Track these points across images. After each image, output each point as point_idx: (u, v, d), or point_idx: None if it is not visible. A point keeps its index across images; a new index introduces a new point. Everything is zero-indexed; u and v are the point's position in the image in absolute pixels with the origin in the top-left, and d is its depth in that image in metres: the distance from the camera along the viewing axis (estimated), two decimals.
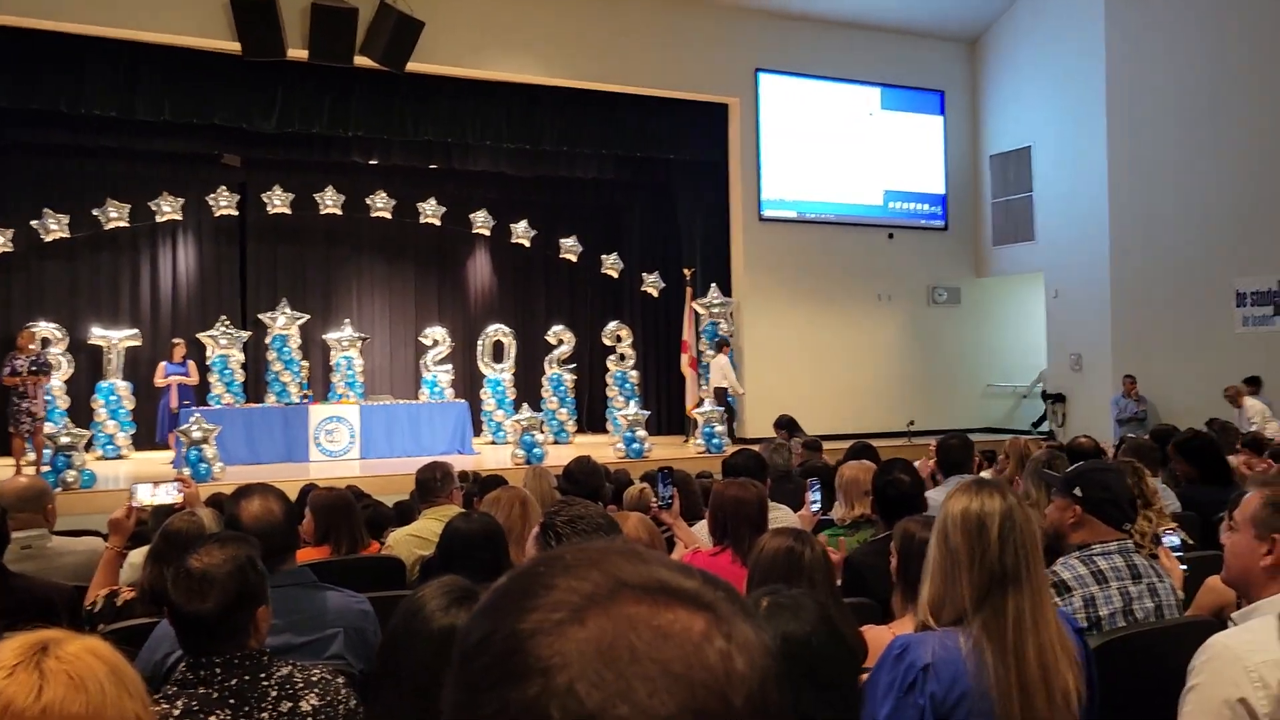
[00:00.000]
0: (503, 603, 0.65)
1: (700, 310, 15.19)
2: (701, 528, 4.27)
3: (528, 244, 15.52)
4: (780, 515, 4.52)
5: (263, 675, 1.89)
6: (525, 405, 13.27)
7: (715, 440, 13.75)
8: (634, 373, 15.56)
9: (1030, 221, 16.54)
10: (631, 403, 14.12)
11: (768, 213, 15.80)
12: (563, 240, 15.69)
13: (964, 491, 2.20)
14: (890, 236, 16.72)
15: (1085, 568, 2.82)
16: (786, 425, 11.25)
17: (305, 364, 14.54)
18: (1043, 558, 2.16)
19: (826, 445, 8.98)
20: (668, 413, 17.16)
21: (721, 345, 14.85)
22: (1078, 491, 2.93)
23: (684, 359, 15.18)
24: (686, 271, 15.60)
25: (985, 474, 6.64)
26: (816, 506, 4.66)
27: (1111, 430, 13.54)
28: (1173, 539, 2.96)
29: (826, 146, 16.26)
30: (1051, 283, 16.03)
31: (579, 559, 0.66)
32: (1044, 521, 3.01)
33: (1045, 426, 15.91)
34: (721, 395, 14.63)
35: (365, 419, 13.31)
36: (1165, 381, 14.18)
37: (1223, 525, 2.34)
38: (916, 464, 7.34)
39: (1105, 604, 2.77)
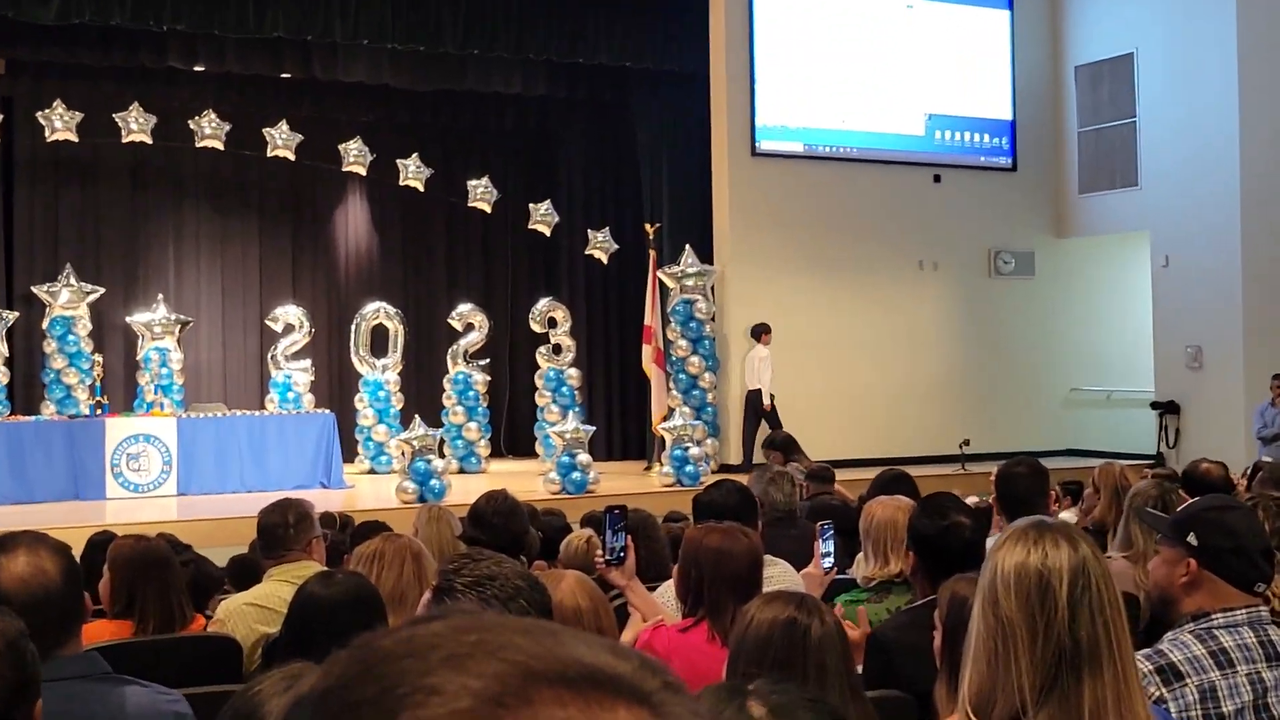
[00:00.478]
0: (348, 716, 0.62)
1: (669, 282, 15.28)
2: (668, 591, 4.29)
3: (421, 187, 15.50)
4: (778, 573, 4.56)
5: None
6: (418, 418, 13.26)
7: (691, 467, 13.86)
8: (574, 371, 15.61)
9: (1132, 160, 16.81)
10: (571, 414, 14.18)
11: (764, 145, 15.92)
12: (472, 183, 15.68)
13: (1019, 539, 2.25)
14: (937, 179, 16.92)
15: (1202, 646, 2.88)
16: (782, 446, 11.31)
17: (98, 359, 14.42)
18: (1128, 630, 2.20)
19: (844, 475, 9.06)
20: (623, 428, 17.23)
21: (761, 333, 15.30)
22: (1193, 539, 2.99)
23: (646, 352, 15.25)
24: (649, 228, 15.68)
25: (1067, 515, 6.78)
26: (829, 561, 4.72)
27: (1249, 451, 13.83)
28: None
29: (847, 53, 16.42)
30: (1161, 246, 16.31)
31: (465, 641, 0.63)
32: (1146, 581, 3.05)
33: (1150, 447, 16.19)
34: (757, 405, 15.01)
35: (185, 438, 13.27)
36: None
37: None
38: (971, 501, 7.47)
39: (1230, 697, 2.82)
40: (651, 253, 15.49)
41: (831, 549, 4.74)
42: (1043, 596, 2.16)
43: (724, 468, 14.88)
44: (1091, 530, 5.90)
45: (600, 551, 4.28)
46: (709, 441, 14.90)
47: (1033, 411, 17.31)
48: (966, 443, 15.47)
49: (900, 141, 16.74)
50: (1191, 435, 15.81)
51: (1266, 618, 2.96)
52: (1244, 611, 2.93)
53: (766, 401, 15.24)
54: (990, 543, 4.48)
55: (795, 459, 10.49)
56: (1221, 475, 6.44)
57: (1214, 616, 2.92)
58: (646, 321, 15.26)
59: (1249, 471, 7.15)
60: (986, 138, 17.36)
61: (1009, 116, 17.45)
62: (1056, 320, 17.62)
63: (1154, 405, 16.37)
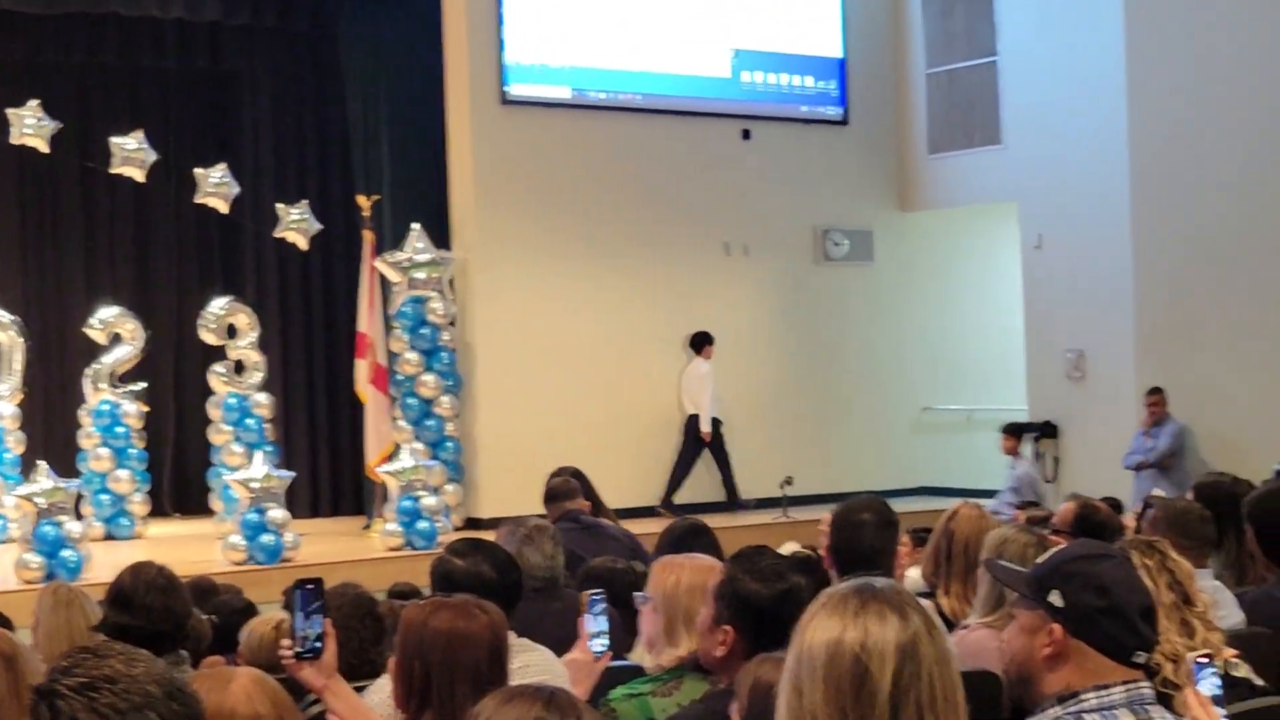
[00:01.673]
0: None
1: (391, 274, 15.19)
2: (383, 691, 4.26)
3: (45, 147, 15.03)
4: (534, 662, 4.58)
5: None
6: (44, 466, 12.87)
7: (425, 524, 13.74)
8: (263, 398, 15.33)
9: (994, 111, 17.33)
10: (260, 456, 13.94)
11: (517, 90, 15.97)
12: (117, 141, 15.28)
13: (835, 609, 2.33)
14: (746, 136, 17.20)
15: None
16: (562, 493, 11.20)
17: None
18: None
19: (629, 523, 9.05)
20: (332, 474, 17.00)
21: (702, 344, 16.11)
22: (1056, 599, 3.07)
23: (361, 368, 15.11)
24: (363, 202, 15.53)
25: (912, 572, 6.93)
26: (602, 644, 4.73)
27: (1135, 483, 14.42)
28: (1209, 679, 3.09)
29: None
30: (1032, 222, 16.82)
31: None
32: (1003, 651, 3.13)
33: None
34: (696, 434, 15.51)
35: None
36: (1223, 401, 15.15)
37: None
38: (787, 550, 7.54)
39: None
40: (367, 235, 15.32)
41: (605, 626, 4.74)
42: (858, 686, 2.20)
43: (471, 522, 14.82)
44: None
45: (288, 641, 4.21)
46: (450, 488, 14.82)
47: (875, 438, 17.71)
48: (789, 481, 15.68)
49: (698, 86, 16.96)
50: (1074, 464, 16.36)
51: (1149, 696, 3.04)
52: (1122, 689, 3.01)
53: (706, 428, 15.67)
54: None
55: (560, 502, 10.42)
56: (1106, 515, 6.64)
57: (1085, 696, 2.99)
58: (361, 328, 15.08)
59: (1140, 510, 7.40)
60: (810, 81, 17.72)
61: (838, 54, 17.83)
62: (903, 319, 18.09)
63: (1028, 428, 16.83)
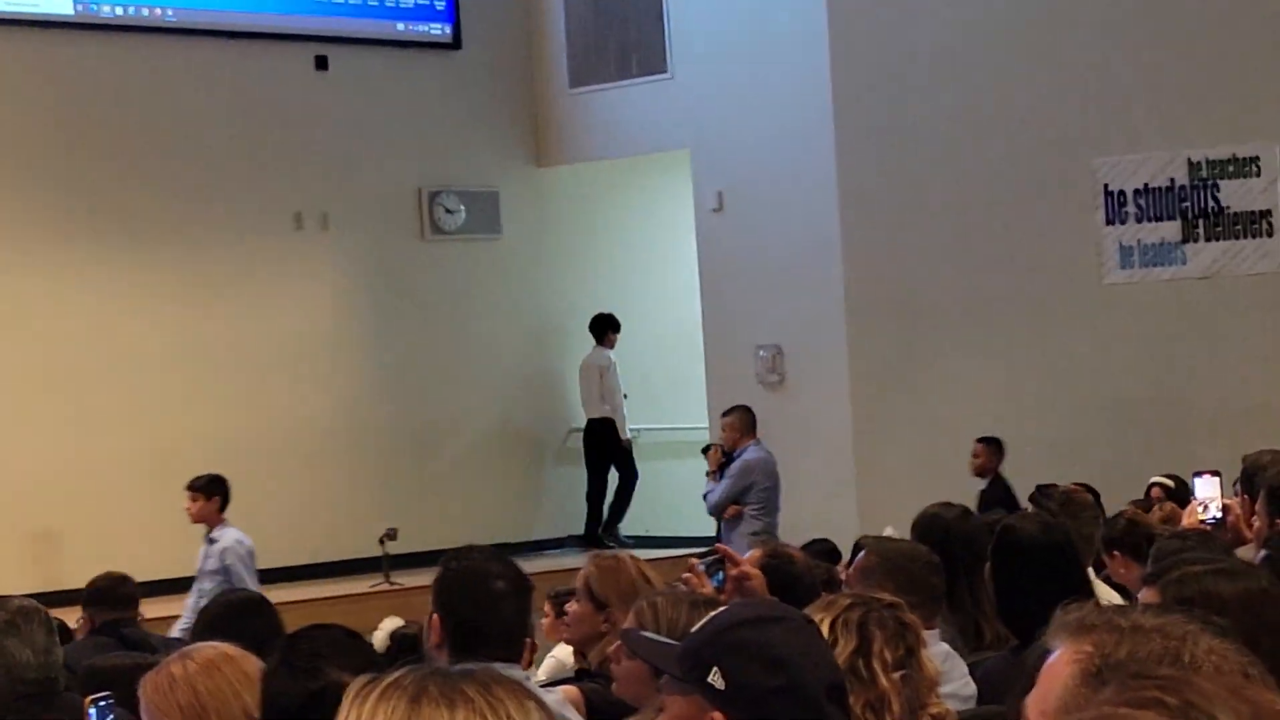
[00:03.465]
0: None
1: None
2: None
3: None
4: None
5: None
6: None
7: None
8: None
9: (658, 30, 17.49)
10: None
11: None
12: None
13: (381, 697, 2.41)
14: (321, 65, 17.16)
15: None
16: (110, 597, 10.85)
17: None
18: None
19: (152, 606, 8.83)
20: None
21: (605, 330, 16.89)
22: (716, 679, 3.19)
23: None
24: None
25: (559, 651, 6.76)
26: None
27: (865, 519, 14.58)
28: None
29: None
30: (709, 177, 17.04)
31: None
32: None
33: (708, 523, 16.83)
34: (608, 443, 15.52)
35: None
36: (963, 399, 15.62)
37: None
38: (387, 630, 7.26)
39: None
40: None
41: None
42: None
43: None
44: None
45: None
46: None
47: (507, 473, 17.68)
48: (391, 535, 15.62)
49: None
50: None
51: None
52: None
53: (626, 434, 16.14)
54: None
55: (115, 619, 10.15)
56: (803, 567, 6.61)
57: None
58: None
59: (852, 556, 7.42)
60: None
61: None
62: (542, 310, 18.19)
63: (709, 450, 17.01)
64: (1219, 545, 6.51)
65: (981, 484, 14.18)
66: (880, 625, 4.31)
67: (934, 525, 6.97)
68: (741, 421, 15.02)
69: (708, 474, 14.84)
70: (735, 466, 14.86)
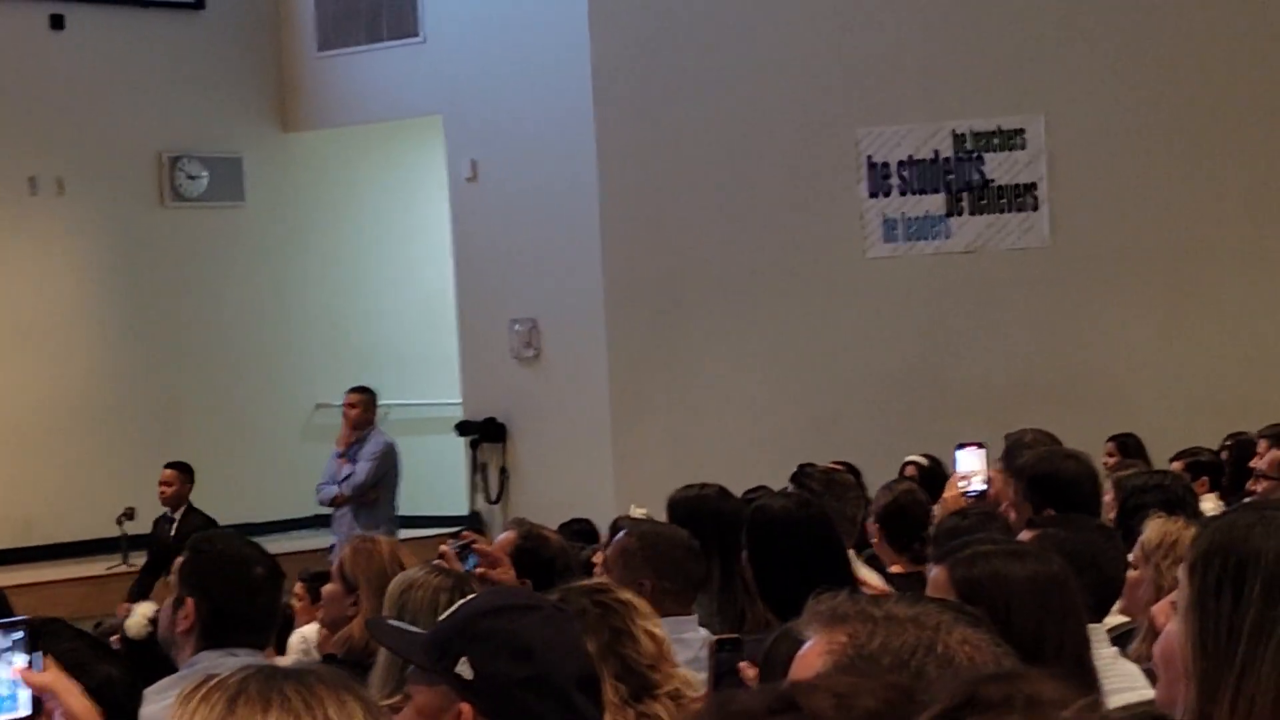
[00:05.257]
0: None
1: None
2: None
3: None
4: None
5: None
6: None
7: None
8: None
9: None
10: None
11: None
12: None
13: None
14: (57, 25, 16.89)
15: None
16: None
17: None
18: None
19: None
20: None
21: None
22: (464, 668, 3.20)
23: None
24: None
25: (307, 630, 6.66)
26: None
27: (620, 503, 14.55)
28: None
29: None
30: (463, 145, 17.04)
31: None
32: None
33: (461, 504, 16.89)
34: None
35: None
36: (719, 369, 15.68)
37: None
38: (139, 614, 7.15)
39: None
40: None
41: None
42: None
43: None
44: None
45: None
46: None
47: (250, 449, 17.60)
48: (129, 514, 15.46)
49: None
50: (528, 477, 16.63)
51: None
52: None
53: None
54: None
55: None
56: (557, 550, 6.60)
57: None
58: None
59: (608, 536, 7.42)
60: None
61: None
62: (288, 281, 18.13)
63: (463, 428, 17.06)
64: (999, 525, 6.58)
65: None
66: (578, 613, 4.30)
67: (689, 506, 6.97)
68: (373, 401, 15.12)
69: (339, 456, 14.73)
70: (376, 449, 14.85)
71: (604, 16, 15.86)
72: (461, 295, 16.95)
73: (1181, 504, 6.98)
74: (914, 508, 8.15)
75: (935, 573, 3.92)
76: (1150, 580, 5.42)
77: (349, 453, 14.81)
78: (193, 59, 17.53)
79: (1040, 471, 7.13)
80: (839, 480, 8.47)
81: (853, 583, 5.98)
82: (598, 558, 7.37)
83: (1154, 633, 3.56)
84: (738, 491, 8.23)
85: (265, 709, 2.52)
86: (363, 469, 14.65)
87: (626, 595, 4.63)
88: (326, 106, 18.03)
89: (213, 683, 2.59)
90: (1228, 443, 11.09)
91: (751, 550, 6.26)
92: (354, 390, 15.05)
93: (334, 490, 14.64)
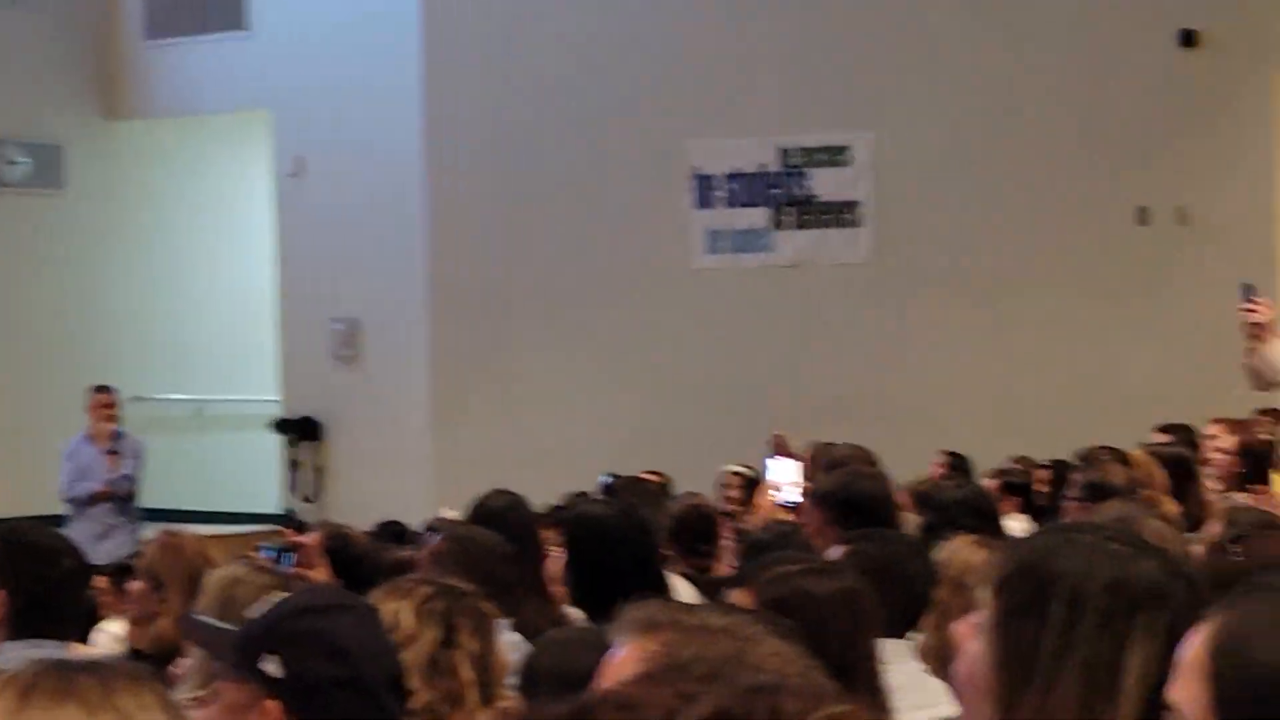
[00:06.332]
0: None
1: None
2: None
3: None
4: None
5: None
6: None
7: None
8: None
9: None
10: None
11: None
12: None
13: None
14: None
15: None
16: None
17: None
18: None
19: None
20: None
21: None
22: (273, 666, 3.23)
23: None
24: None
25: (113, 626, 6.70)
26: None
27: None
28: None
29: None
30: (289, 140, 17.04)
31: None
32: None
33: (273, 502, 16.91)
34: None
35: None
36: (542, 375, 15.88)
37: None
38: None
39: None
40: None
41: None
42: None
43: None
44: None
45: None
46: None
47: (50, 442, 17.32)
48: None
49: None
50: (345, 478, 16.68)
51: None
52: None
53: None
54: None
55: None
56: (364, 550, 6.67)
57: None
58: None
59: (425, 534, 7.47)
60: None
61: None
62: (106, 271, 18.00)
63: (280, 426, 17.07)
64: (800, 542, 6.66)
65: None
66: (464, 615, 4.34)
67: (491, 512, 7.04)
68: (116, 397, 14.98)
69: (110, 453, 14.56)
70: (137, 446, 14.85)
71: (436, 18, 15.85)
72: (283, 292, 16.89)
73: (989, 521, 7.14)
74: (700, 520, 8.26)
75: (736, 596, 4.00)
76: (946, 600, 5.38)
77: (116, 444, 14.69)
78: (16, 43, 17.32)
79: (841, 493, 7.20)
80: (645, 487, 8.56)
81: (665, 590, 6.09)
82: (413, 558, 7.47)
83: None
84: (556, 498, 8.32)
85: (60, 702, 2.49)
86: (134, 465, 14.63)
87: (490, 606, 4.65)
88: (153, 96, 17.92)
89: (5, 676, 2.58)
90: (1047, 463, 11.12)
91: (570, 554, 6.35)
92: (104, 389, 14.88)
93: (94, 486, 14.44)
